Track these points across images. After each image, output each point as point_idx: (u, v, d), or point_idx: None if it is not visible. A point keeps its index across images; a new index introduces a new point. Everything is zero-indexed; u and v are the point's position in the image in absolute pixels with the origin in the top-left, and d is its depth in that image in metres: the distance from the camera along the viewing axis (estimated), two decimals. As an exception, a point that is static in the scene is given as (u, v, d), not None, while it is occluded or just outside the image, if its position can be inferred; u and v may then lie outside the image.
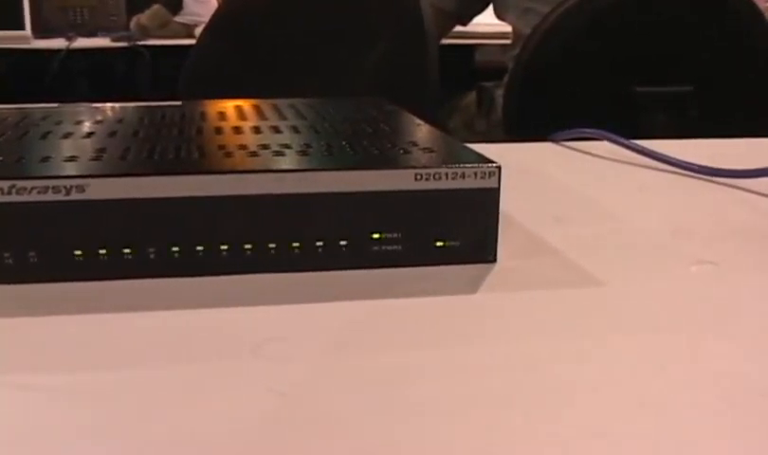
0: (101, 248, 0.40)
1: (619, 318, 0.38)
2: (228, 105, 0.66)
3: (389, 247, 0.43)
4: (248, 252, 0.42)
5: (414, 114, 0.63)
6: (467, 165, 0.43)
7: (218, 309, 0.38)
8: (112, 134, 0.52)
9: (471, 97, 1.79)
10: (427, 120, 0.60)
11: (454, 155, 0.48)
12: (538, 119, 1.33)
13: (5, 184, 0.39)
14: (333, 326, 0.37)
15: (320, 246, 0.42)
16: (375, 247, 0.43)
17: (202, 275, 0.41)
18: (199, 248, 0.41)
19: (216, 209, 0.41)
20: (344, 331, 0.36)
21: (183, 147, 0.47)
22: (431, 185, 0.42)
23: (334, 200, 0.42)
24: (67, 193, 0.40)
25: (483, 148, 0.53)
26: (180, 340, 0.35)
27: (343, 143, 0.49)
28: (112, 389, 0.31)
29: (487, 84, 1.73)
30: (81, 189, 0.40)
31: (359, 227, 0.42)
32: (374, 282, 0.42)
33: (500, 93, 1.56)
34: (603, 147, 0.76)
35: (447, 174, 0.42)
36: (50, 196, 0.39)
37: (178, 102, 0.68)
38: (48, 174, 0.40)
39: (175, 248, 0.41)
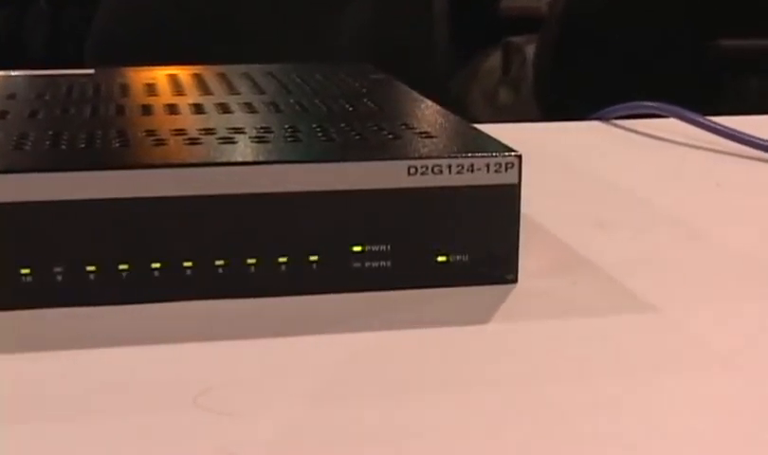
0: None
1: (675, 357, 0.41)
2: (159, 75, 0.68)
3: (375, 264, 0.45)
4: (188, 272, 0.44)
5: (413, 84, 0.65)
6: (478, 154, 0.45)
7: (146, 347, 0.41)
8: (1, 115, 0.55)
9: (495, 58, 1.81)
10: (431, 93, 0.62)
11: (461, 141, 0.50)
12: (582, 88, 1.35)
13: None
14: (300, 369, 0.39)
15: (283, 264, 0.45)
16: (357, 264, 0.45)
17: (127, 302, 0.44)
18: (122, 267, 0.44)
19: (145, 215, 0.43)
20: (316, 375, 0.39)
21: (98, 133, 0.50)
22: (430, 181, 0.45)
23: (301, 202, 0.44)
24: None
25: (507, 129, 0.55)
26: (98, 387, 0.37)
27: (314, 126, 0.51)
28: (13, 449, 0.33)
29: (516, 40, 1.75)
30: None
31: (335, 238, 0.45)
32: (354, 309, 0.44)
33: (533, 51, 1.59)
34: (669, 126, 0.78)
35: (450, 167, 0.45)
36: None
37: (89, 71, 0.70)
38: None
39: (90, 268, 0.43)
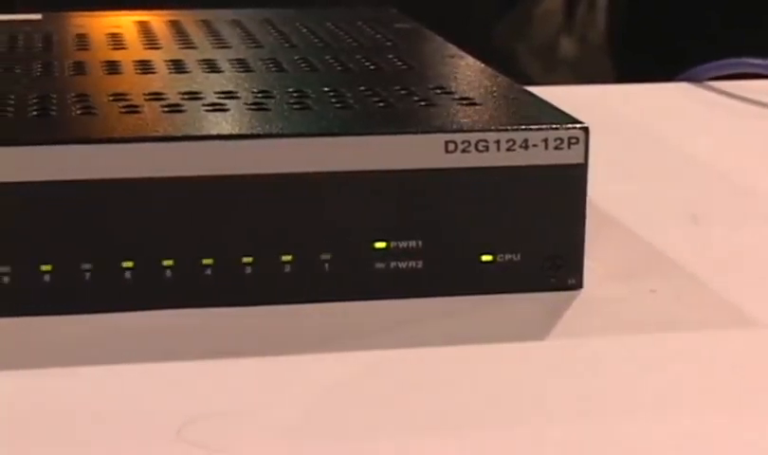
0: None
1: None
2: (125, 22, 0.70)
3: (402, 264, 0.47)
4: (168, 273, 0.46)
5: (447, 35, 0.66)
6: (534, 126, 0.47)
7: (117, 366, 0.42)
8: None
9: (554, -1, 1.81)
10: (468, 45, 0.64)
11: (512, 109, 0.52)
12: (668, 39, 1.35)
13: None
14: (306, 394, 0.41)
15: (287, 264, 0.46)
16: (380, 265, 0.47)
17: (92, 310, 0.45)
18: (86, 266, 0.45)
19: (114, 201, 0.45)
20: (324, 403, 0.40)
21: (53, 96, 0.51)
22: (473, 160, 0.46)
23: (310, 187, 0.46)
24: None
25: (569, 92, 0.56)
26: (63, 413, 0.39)
27: (325, 90, 0.53)
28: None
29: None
30: None
31: (353, 233, 0.47)
32: (375, 321, 0.46)
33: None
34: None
35: (498, 143, 0.46)
36: None
37: (35, 16, 0.72)
38: None
39: (45, 267, 0.45)
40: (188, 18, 0.71)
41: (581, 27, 1.75)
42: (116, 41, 0.65)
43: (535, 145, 0.46)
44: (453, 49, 0.63)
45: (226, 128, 0.48)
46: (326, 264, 0.46)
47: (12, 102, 0.51)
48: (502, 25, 1.76)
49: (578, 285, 0.48)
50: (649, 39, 1.41)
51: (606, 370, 0.43)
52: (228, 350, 0.44)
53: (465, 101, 0.51)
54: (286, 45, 0.64)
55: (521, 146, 0.46)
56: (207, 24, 0.69)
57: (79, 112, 0.49)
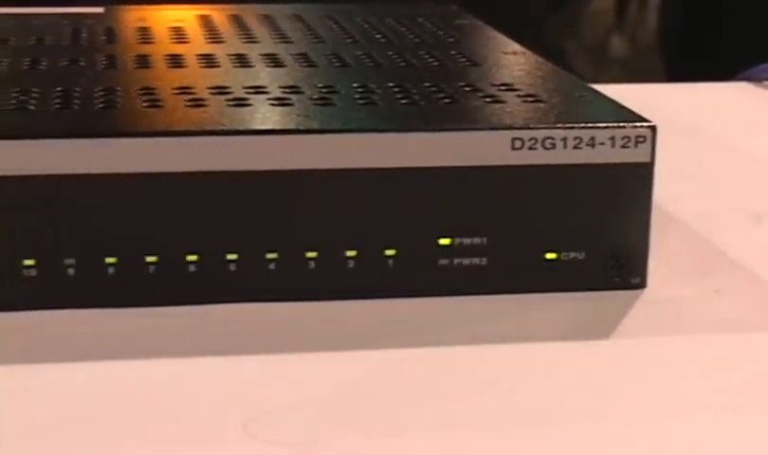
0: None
1: None
2: (188, 16, 0.70)
3: (466, 261, 0.47)
4: (231, 266, 0.46)
5: (505, 31, 0.67)
6: (600, 124, 0.47)
7: (182, 360, 0.43)
8: None
9: (605, -4, 1.81)
10: (520, 43, 0.64)
11: (578, 107, 0.52)
12: (725, 37, 1.35)
13: None
14: (374, 390, 0.41)
15: (352, 259, 0.47)
16: (444, 261, 0.47)
17: (154, 304, 0.46)
18: (150, 260, 0.46)
19: (177, 195, 0.45)
20: (392, 397, 0.40)
21: (117, 89, 0.52)
22: (539, 157, 0.46)
23: (376, 183, 0.46)
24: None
25: (622, 91, 0.56)
26: (124, 409, 0.39)
27: (389, 85, 0.53)
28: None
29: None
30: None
31: (418, 229, 0.47)
32: (439, 318, 0.46)
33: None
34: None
35: (565, 140, 0.46)
36: None
37: (97, 9, 0.72)
38: None
39: (110, 259, 0.45)
40: (248, 12, 0.71)
41: (632, 26, 1.74)
42: (177, 35, 0.65)
43: (602, 143, 0.46)
44: (516, 46, 0.63)
45: (291, 124, 0.48)
46: (390, 261, 0.47)
47: (78, 94, 0.51)
48: (552, 23, 1.76)
49: (642, 285, 0.48)
50: (703, 39, 1.41)
51: (669, 370, 0.43)
52: (292, 345, 0.44)
53: (530, 98, 0.51)
54: (348, 40, 0.64)
55: (587, 144, 0.46)
56: (268, 18, 0.70)
57: (141, 104, 0.50)
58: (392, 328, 0.46)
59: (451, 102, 0.51)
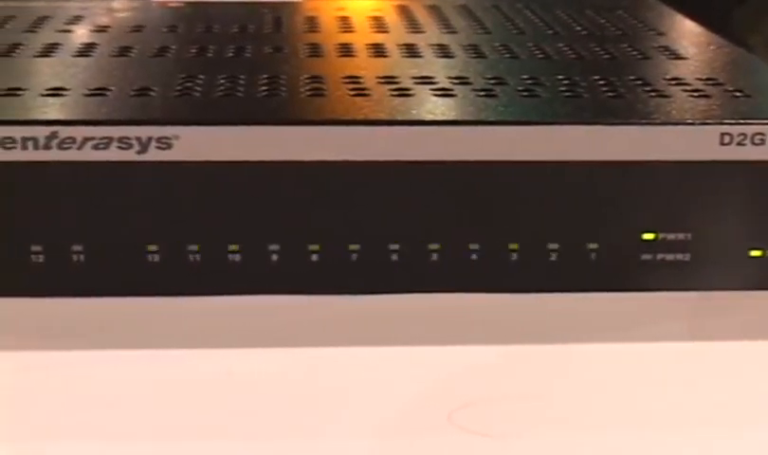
0: (190, 244, 0.46)
1: None
2: (355, 7, 0.71)
3: (670, 256, 0.47)
4: (433, 256, 0.46)
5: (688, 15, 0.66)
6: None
7: (387, 348, 0.44)
8: (161, 50, 0.58)
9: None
10: (716, 31, 0.63)
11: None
12: None
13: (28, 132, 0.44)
14: (569, 380, 0.41)
15: (554, 252, 0.47)
16: (647, 256, 0.47)
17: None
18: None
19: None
20: (589, 390, 0.40)
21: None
22: (749, 153, 0.45)
23: (581, 176, 0.46)
24: (142, 151, 0.45)
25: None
26: (316, 393, 0.40)
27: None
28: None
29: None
30: (165, 143, 0.45)
31: (621, 223, 0.46)
32: (641, 314, 0.46)
33: None
34: None
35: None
36: (109, 154, 0.44)
37: None
38: (109, 119, 0.45)
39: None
40: (416, 4, 0.71)
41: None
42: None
43: (813, 140, 0.46)
44: (715, 37, 0.63)
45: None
46: (592, 254, 0.47)
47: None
48: (738, 8, 1.73)
49: None
50: None
51: None
52: (493, 337, 0.44)
53: (736, 93, 0.50)
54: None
55: (798, 140, 0.46)
56: (435, 10, 0.70)
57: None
58: (593, 322, 0.45)
59: (657, 96, 0.50)
